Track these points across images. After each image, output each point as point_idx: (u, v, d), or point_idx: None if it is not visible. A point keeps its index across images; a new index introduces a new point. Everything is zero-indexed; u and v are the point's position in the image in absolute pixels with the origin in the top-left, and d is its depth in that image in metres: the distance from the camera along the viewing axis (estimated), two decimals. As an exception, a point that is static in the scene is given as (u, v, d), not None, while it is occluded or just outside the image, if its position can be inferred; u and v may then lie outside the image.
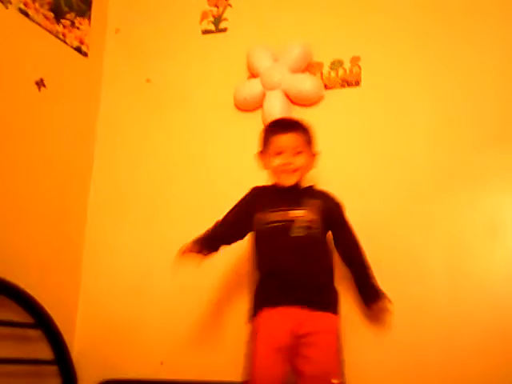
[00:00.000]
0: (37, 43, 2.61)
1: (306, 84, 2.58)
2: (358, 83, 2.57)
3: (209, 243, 2.17)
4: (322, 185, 2.41)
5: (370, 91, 2.55)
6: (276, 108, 2.56)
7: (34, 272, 2.47)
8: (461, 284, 2.27)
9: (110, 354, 2.59)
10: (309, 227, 2.09)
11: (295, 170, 2.14)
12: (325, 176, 2.46)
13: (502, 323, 2.19)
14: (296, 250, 2.06)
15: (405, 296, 2.28)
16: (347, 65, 2.59)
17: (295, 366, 2.01)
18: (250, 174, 2.59)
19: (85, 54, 2.87)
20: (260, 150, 2.23)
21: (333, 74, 2.61)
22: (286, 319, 2.00)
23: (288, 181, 2.15)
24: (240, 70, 2.73)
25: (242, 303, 2.36)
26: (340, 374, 1.97)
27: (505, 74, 2.41)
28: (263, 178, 2.54)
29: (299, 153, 2.14)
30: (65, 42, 2.75)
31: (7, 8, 2.47)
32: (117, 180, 2.85)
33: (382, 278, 2.30)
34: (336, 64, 2.61)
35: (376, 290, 2.17)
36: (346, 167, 2.52)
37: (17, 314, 2.35)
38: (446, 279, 2.29)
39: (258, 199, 2.20)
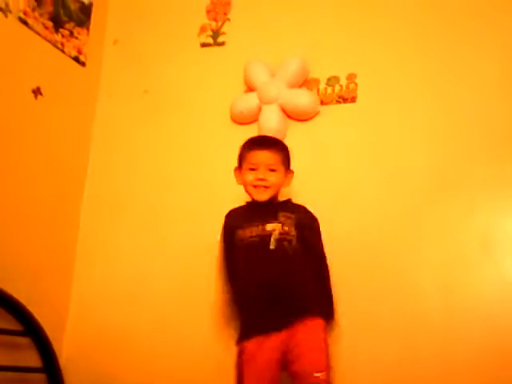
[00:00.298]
0: (35, 52, 2.63)
1: (303, 99, 2.60)
2: (353, 100, 2.59)
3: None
4: (314, 200, 2.43)
5: (366, 108, 2.57)
6: (272, 122, 2.58)
7: (24, 279, 2.46)
8: (453, 300, 2.27)
9: (99, 363, 2.58)
10: (286, 239, 2.12)
11: (267, 187, 2.18)
12: (318, 190, 2.47)
13: (495, 340, 2.19)
14: (275, 263, 2.10)
15: (398, 312, 2.30)
16: (343, 81, 2.62)
17: (287, 368, 2.06)
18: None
19: (83, 64, 2.88)
20: (236, 165, 2.27)
21: (329, 90, 2.63)
22: (271, 353, 2.04)
23: (260, 196, 2.19)
24: (237, 83, 2.75)
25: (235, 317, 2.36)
26: (324, 369, 2.01)
27: (506, 89, 2.42)
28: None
29: (273, 170, 2.18)
30: (63, 52, 2.77)
31: (7, 17, 2.49)
32: (111, 188, 2.85)
33: (374, 294, 2.33)
34: (332, 80, 2.63)
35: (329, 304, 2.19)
36: (339, 182, 2.53)
37: (6, 322, 2.34)
38: (438, 295, 2.29)
39: (235, 219, 2.24)
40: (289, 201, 2.28)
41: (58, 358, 2.50)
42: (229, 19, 2.87)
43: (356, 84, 2.60)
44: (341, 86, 2.62)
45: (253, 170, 2.18)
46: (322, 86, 2.64)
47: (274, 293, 2.07)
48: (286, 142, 2.56)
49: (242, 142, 2.62)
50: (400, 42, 2.60)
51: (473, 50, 2.49)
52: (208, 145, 2.76)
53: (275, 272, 2.09)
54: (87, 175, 2.88)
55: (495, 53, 2.46)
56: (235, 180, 2.29)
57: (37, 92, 2.62)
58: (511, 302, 2.22)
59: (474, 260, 2.30)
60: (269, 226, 2.13)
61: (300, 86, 2.65)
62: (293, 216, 2.17)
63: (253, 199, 2.22)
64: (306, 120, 2.61)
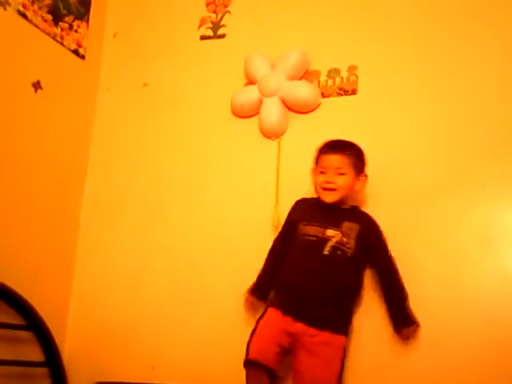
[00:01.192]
0: (34, 45, 2.61)
1: (303, 91, 2.59)
2: (354, 92, 2.58)
3: (263, 291, 2.33)
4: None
5: (367, 100, 2.56)
6: (273, 114, 2.57)
7: (26, 274, 2.46)
8: (454, 294, 2.27)
9: (101, 357, 2.59)
10: (341, 249, 2.19)
11: (334, 190, 2.25)
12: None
13: (495, 333, 2.19)
14: (323, 267, 2.18)
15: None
16: (344, 73, 2.61)
17: (293, 365, 2.16)
18: (246, 178, 2.62)
19: (82, 57, 2.87)
20: (313, 167, 2.35)
21: (330, 82, 2.62)
22: (285, 332, 2.14)
23: (327, 198, 2.26)
24: (237, 76, 2.74)
25: (235, 310, 2.37)
26: None
27: (506, 84, 2.41)
28: (259, 183, 2.57)
29: (342, 174, 2.25)
30: (62, 45, 2.76)
31: (6, 10, 2.47)
32: (111, 183, 2.85)
33: (375, 287, 2.32)
34: (333, 72, 2.62)
35: (407, 316, 2.22)
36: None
37: (8, 316, 2.34)
38: (439, 289, 2.29)
39: (301, 210, 2.34)
40: (356, 208, 2.33)
41: (61, 353, 2.51)
42: (229, 11, 2.86)
43: (357, 76, 2.59)
44: (341, 78, 2.61)
45: (323, 172, 2.27)
46: (323, 78, 2.63)
47: (318, 292, 2.16)
48: (288, 134, 2.59)
49: (243, 135, 2.67)
50: (401, 35, 2.59)
51: (473, 44, 2.48)
52: (209, 138, 2.76)
53: (323, 275, 2.18)
54: (88, 169, 2.87)
55: (496, 48, 2.44)
56: (312, 180, 2.35)
57: (37, 85, 2.61)
58: (511, 295, 2.21)
59: (474, 254, 2.30)
60: (329, 232, 2.21)
61: (300, 79, 2.64)
62: (357, 227, 2.23)
63: (322, 201, 2.29)
64: (307, 112, 2.60)
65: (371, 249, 2.26)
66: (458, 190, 2.38)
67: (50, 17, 2.69)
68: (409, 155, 2.47)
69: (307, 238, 2.23)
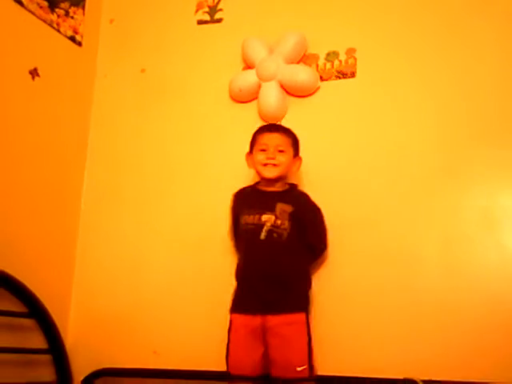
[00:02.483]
0: (31, 32, 2.60)
1: (302, 74, 2.58)
2: (353, 75, 2.57)
3: None
4: (317, 176, 2.43)
5: (366, 83, 2.55)
6: (271, 99, 2.56)
7: (28, 262, 2.46)
8: (455, 277, 2.27)
9: (104, 344, 2.60)
10: (276, 232, 2.22)
11: (276, 165, 2.28)
12: (319, 168, 2.46)
13: (497, 316, 2.19)
14: (264, 253, 2.22)
15: (400, 289, 2.31)
16: (343, 56, 2.59)
17: (267, 354, 2.18)
18: (245, 163, 2.60)
19: (79, 44, 2.85)
20: (248, 151, 2.37)
21: (328, 65, 2.61)
22: (252, 325, 2.17)
23: (268, 174, 2.29)
24: (235, 60, 2.73)
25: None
26: (305, 363, 2.14)
27: (504, 68, 2.40)
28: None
29: (281, 152, 2.29)
30: (59, 32, 2.74)
31: (1, -3, 2.46)
32: (111, 170, 2.84)
33: (376, 271, 2.34)
34: (331, 55, 2.61)
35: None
36: (340, 158, 2.52)
37: (11, 304, 2.35)
38: (441, 272, 2.29)
39: (240, 202, 2.36)
40: (291, 189, 2.34)
41: (64, 339, 2.52)
42: (226, -5, 2.84)
43: (355, 59, 2.58)
44: (340, 61, 2.60)
45: (263, 150, 2.30)
46: (321, 61, 2.62)
47: (264, 280, 2.19)
48: (287, 118, 2.58)
49: (242, 121, 2.66)
50: (399, 16, 2.57)
51: (470, 29, 2.46)
52: (207, 123, 2.75)
53: (264, 261, 2.21)
54: (87, 156, 2.86)
55: (492, 33, 2.43)
56: (247, 164, 2.39)
57: (34, 73, 2.60)
58: (512, 278, 2.22)
59: (475, 237, 2.29)
60: (264, 217, 2.24)
61: (298, 62, 2.63)
62: (290, 209, 2.25)
63: (262, 178, 2.33)
64: (306, 96, 2.59)
65: (305, 227, 2.27)
66: (457, 173, 2.37)
67: (45, 3, 2.67)
68: (408, 137, 2.46)
69: (246, 227, 2.26)
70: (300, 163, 2.37)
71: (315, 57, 2.63)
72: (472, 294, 2.24)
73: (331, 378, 2.20)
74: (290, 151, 2.31)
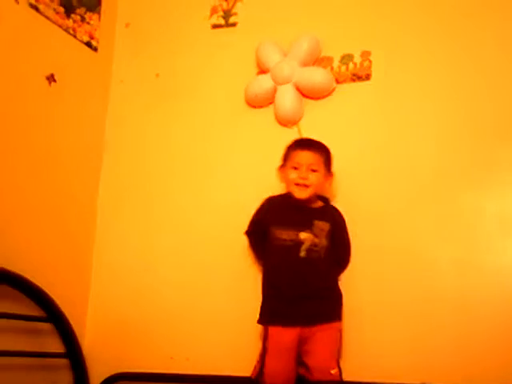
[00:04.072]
0: (47, 38, 2.61)
1: (318, 76, 2.58)
2: (368, 77, 2.57)
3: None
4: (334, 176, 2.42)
5: (381, 85, 2.55)
6: (287, 101, 2.56)
7: (45, 266, 2.48)
8: (471, 278, 2.27)
9: (121, 348, 2.61)
10: (315, 250, 2.25)
11: (308, 186, 2.29)
12: (336, 168, 2.45)
13: (511, 317, 2.18)
14: (303, 270, 2.25)
15: (414, 288, 2.31)
16: (357, 59, 2.59)
17: (301, 355, 2.23)
18: (261, 169, 2.61)
19: (95, 49, 2.87)
20: (281, 164, 2.38)
21: (343, 68, 2.61)
22: (291, 337, 2.21)
23: (300, 194, 2.31)
24: (250, 64, 2.73)
25: (251, 300, 2.37)
26: (336, 367, 2.20)
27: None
28: (272, 174, 2.56)
29: (314, 171, 2.29)
30: (75, 37, 2.76)
31: (18, 3, 2.47)
32: (126, 174, 2.85)
33: (391, 270, 2.35)
34: (346, 58, 2.60)
35: None
36: (355, 160, 2.51)
37: (28, 308, 2.36)
38: (454, 272, 2.29)
39: (271, 211, 2.37)
40: (326, 206, 2.37)
41: (81, 344, 2.53)
42: (240, -1, 2.85)
43: (370, 61, 2.57)
44: (355, 63, 2.59)
45: (296, 168, 2.30)
46: (336, 64, 2.61)
47: (303, 295, 2.23)
48: (303, 120, 2.58)
49: (258, 126, 2.67)
50: (415, 18, 2.56)
51: (490, 27, 2.45)
52: (223, 128, 2.75)
53: (304, 277, 2.25)
54: (103, 160, 2.87)
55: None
56: (279, 177, 2.40)
57: (50, 79, 2.61)
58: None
59: (490, 237, 2.29)
60: (302, 235, 2.26)
61: (312, 65, 2.62)
62: (327, 227, 2.29)
63: (292, 196, 2.33)
64: (321, 98, 2.59)
65: (338, 243, 2.34)
66: (474, 175, 2.36)
67: (61, 9, 2.68)
68: (423, 139, 2.45)
69: (282, 242, 2.27)
70: (332, 180, 2.38)
71: (329, 59, 2.62)
72: (486, 294, 2.23)
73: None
74: (322, 169, 2.31)
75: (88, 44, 2.83)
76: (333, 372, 2.17)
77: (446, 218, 2.35)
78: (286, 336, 2.20)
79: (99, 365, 2.56)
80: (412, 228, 2.38)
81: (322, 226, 2.28)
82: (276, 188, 2.45)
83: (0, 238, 2.31)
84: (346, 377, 2.21)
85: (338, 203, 2.40)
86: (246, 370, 2.28)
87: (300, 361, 2.23)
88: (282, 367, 2.20)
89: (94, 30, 2.86)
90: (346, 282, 2.36)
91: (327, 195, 2.42)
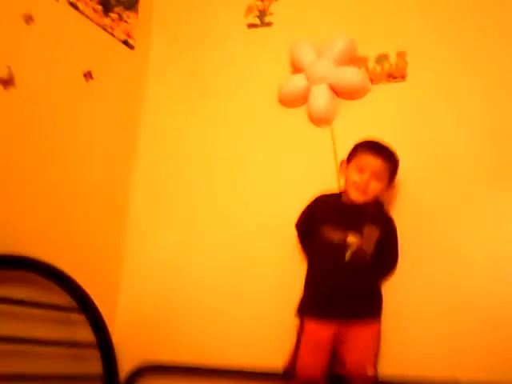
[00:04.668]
0: (86, 36, 2.66)
1: (353, 76, 2.57)
2: (403, 78, 2.54)
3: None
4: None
5: (417, 86, 2.52)
6: (321, 102, 2.55)
7: (77, 256, 2.51)
8: (505, 277, 2.24)
9: (150, 339, 2.62)
10: (361, 256, 2.21)
11: (367, 193, 2.24)
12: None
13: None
14: (346, 274, 2.22)
15: (450, 288, 2.29)
16: (393, 59, 2.57)
17: (338, 352, 2.22)
18: (294, 169, 2.61)
19: (131, 47, 2.91)
20: (346, 158, 2.32)
21: (378, 68, 2.59)
22: (326, 333, 2.20)
23: (357, 197, 2.25)
24: (284, 64, 2.73)
25: (285, 294, 2.38)
26: (374, 367, 2.19)
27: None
28: (305, 174, 2.56)
29: (378, 180, 2.23)
30: (112, 35, 2.80)
31: (58, 1, 2.53)
32: (160, 172, 2.87)
33: (426, 272, 2.32)
34: (381, 58, 2.59)
35: None
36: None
37: (59, 298, 2.40)
38: (490, 272, 2.26)
39: (322, 210, 2.34)
40: (379, 211, 2.31)
41: (111, 334, 2.55)
42: (276, -1, 2.85)
43: (406, 62, 2.55)
44: (390, 63, 2.58)
45: (361, 170, 2.24)
46: (371, 64, 2.60)
47: (344, 296, 2.21)
48: (337, 121, 2.57)
49: (291, 126, 2.66)
50: (451, 18, 2.54)
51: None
52: (257, 128, 2.75)
53: (347, 281, 2.22)
54: (137, 155, 2.90)
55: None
56: (339, 171, 2.36)
57: (88, 76, 2.66)
58: None
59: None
60: (350, 238, 2.21)
61: (347, 65, 2.61)
62: (377, 234, 2.24)
63: (345, 196, 2.30)
64: (356, 99, 2.58)
65: (387, 251, 2.30)
66: (508, 177, 2.32)
67: (100, 7, 2.74)
68: (459, 141, 2.42)
69: (329, 242, 2.24)
70: (392, 191, 2.34)
71: (364, 59, 2.61)
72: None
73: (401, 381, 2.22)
74: (386, 179, 2.25)
75: (125, 42, 2.88)
76: (369, 373, 2.16)
77: (486, 219, 2.32)
78: (321, 331, 2.19)
79: (129, 355, 2.57)
80: (452, 229, 2.35)
81: (373, 231, 2.23)
82: (311, 185, 2.46)
83: (35, 229, 2.37)
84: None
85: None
86: (279, 362, 2.27)
87: (337, 359, 2.22)
88: (315, 362, 2.19)
89: (131, 29, 2.91)
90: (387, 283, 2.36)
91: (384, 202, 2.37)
